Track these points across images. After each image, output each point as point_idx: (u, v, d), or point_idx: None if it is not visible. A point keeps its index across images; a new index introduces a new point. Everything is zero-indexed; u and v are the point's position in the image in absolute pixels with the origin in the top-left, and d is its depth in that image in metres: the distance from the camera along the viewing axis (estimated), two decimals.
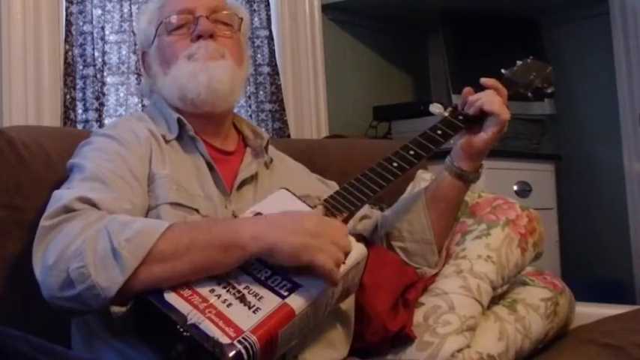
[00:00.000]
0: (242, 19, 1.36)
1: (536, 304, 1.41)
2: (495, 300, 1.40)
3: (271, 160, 1.36)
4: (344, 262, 1.02)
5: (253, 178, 1.30)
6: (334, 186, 1.42)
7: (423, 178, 1.58)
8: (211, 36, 1.28)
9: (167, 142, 1.26)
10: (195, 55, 1.27)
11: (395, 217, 1.41)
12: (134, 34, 2.20)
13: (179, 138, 1.27)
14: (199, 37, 1.28)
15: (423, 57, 3.31)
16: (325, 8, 2.81)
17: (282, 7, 2.66)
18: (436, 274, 1.38)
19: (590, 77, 3.04)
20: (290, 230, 0.99)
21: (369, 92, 3.02)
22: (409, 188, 1.59)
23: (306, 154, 1.66)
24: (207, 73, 1.25)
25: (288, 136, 2.54)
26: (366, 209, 1.40)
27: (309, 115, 2.70)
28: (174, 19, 1.30)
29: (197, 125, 1.28)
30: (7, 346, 0.72)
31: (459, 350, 1.25)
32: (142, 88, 1.43)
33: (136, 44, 2.18)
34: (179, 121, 1.27)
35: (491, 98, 1.29)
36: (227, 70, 1.27)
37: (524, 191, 2.63)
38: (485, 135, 1.31)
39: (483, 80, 1.33)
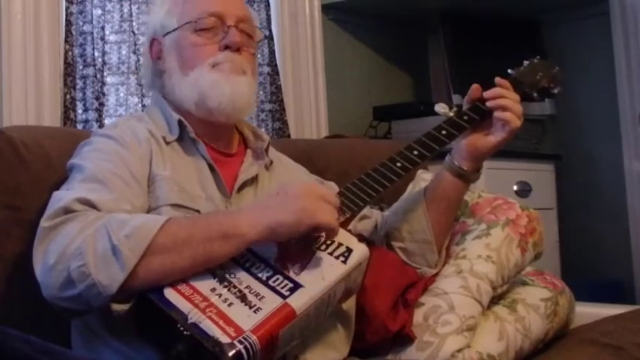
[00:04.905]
0: (265, 36, 1.37)
1: (536, 304, 1.41)
2: (495, 300, 1.40)
3: (271, 162, 1.36)
4: (339, 218, 1.06)
5: (254, 180, 1.30)
6: (333, 187, 1.42)
7: (423, 178, 1.57)
8: (238, 49, 1.28)
9: (167, 143, 1.25)
10: (220, 65, 1.26)
11: (395, 217, 1.41)
12: (134, 34, 2.20)
13: (180, 139, 1.27)
14: (227, 47, 1.27)
15: (423, 57, 3.30)
16: (325, 8, 2.81)
17: (282, 7, 2.66)
18: (436, 274, 1.38)
19: (590, 77, 3.05)
20: (282, 205, 1.02)
21: (369, 92, 3.02)
22: (409, 188, 1.59)
23: (306, 154, 1.66)
24: (231, 86, 1.25)
25: (288, 136, 2.54)
26: (366, 209, 1.40)
27: (309, 115, 2.70)
28: (204, 21, 1.27)
29: (199, 128, 1.27)
30: (7, 346, 0.72)
31: (459, 350, 1.26)
32: (144, 74, 1.40)
33: (136, 44, 2.18)
34: (180, 122, 1.27)
35: (514, 104, 1.31)
36: (247, 86, 1.27)
37: (524, 191, 2.63)
38: (493, 139, 1.31)
39: (499, 80, 1.34)
